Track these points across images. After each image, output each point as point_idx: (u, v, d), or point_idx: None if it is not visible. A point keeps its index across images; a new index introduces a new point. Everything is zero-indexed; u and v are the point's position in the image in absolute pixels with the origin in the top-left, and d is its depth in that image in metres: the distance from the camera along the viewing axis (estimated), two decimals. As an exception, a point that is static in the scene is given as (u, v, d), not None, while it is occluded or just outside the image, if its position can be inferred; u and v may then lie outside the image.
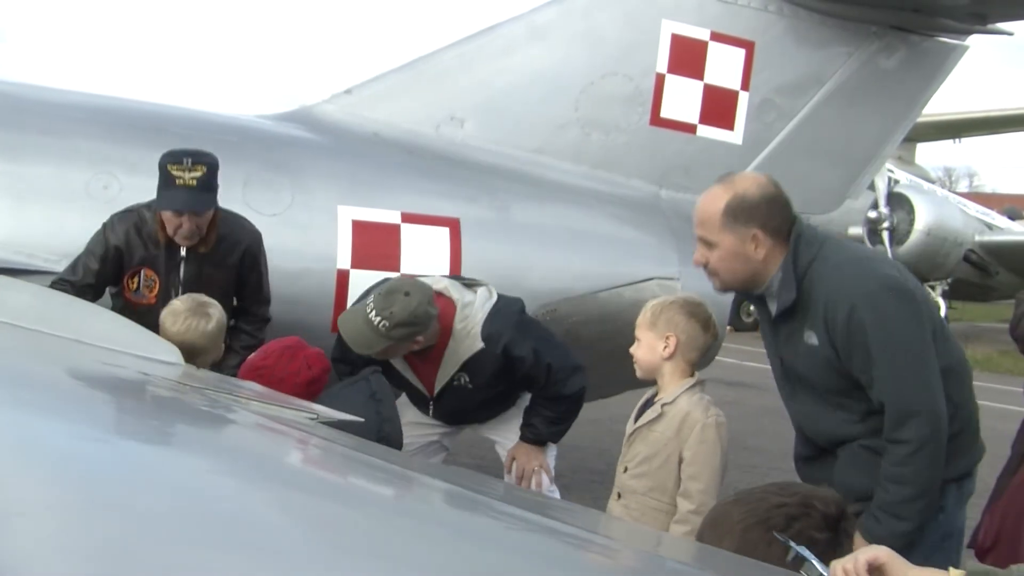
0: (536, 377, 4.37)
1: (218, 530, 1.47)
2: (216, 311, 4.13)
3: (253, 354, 4.09)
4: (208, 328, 4.06)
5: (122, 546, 1.31)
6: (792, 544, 1.94)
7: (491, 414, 4.65)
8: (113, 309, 4.70)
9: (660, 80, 6.13)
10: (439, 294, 4.31)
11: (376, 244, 5.47)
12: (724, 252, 3.41)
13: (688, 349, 3.68)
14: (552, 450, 4.62)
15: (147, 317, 4.45)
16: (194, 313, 4.06)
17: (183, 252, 4.70)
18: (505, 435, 4.63)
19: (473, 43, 6.11)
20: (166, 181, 4.57)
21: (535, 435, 4.50)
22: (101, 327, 3.26)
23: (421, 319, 4.17)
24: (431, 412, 4.55)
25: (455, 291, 4.37)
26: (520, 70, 6.08)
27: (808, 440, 3.60)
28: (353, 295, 5.35)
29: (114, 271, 4.68)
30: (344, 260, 5.36)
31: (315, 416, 2.68)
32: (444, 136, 5.98)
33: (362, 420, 3.02)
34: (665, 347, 3.66)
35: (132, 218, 4.72)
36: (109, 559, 1.25)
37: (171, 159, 4.58)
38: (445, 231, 5.50)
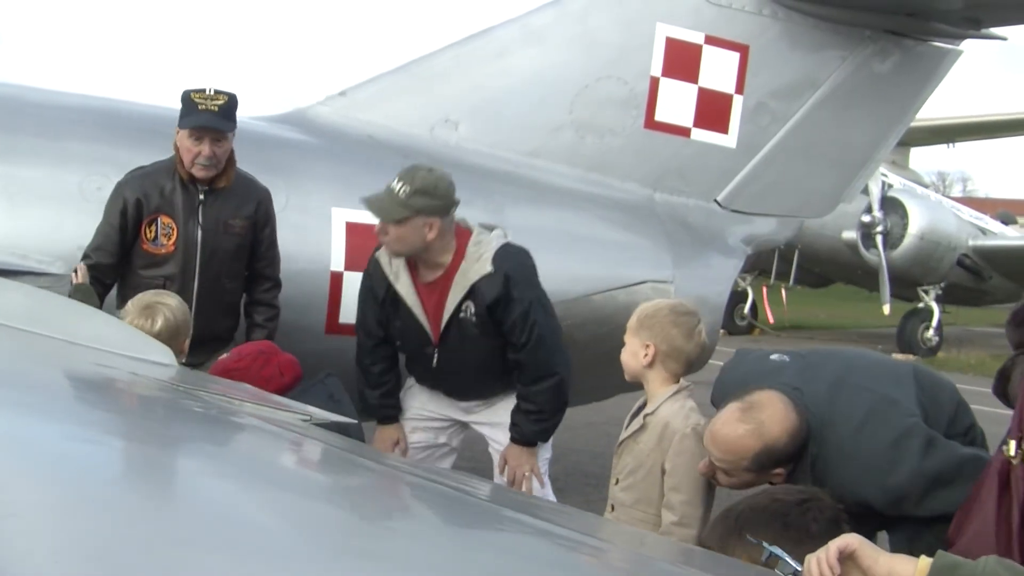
0: (517, 332, 4.36)
1: (211, 531, 1.47)
2: (167, 311, 4.02)
3: (226, 355, 4.08)
4: (155, 329, 3.93)
5: (114, 548, 1.31)
6: (765, 544, 1.96)
7: (489, 389, 4.59)
8: (132, 264, 4.74)
9: (655, 83, 6.13)
10: (457, 223, 4.44)
11: (370, 246, 5.44)
12: (743, 483, 3.34)
13: (668, 359, 3.62)
14: (546, 452, 4.62)
15: (166, 266, 4.66)
16: (140, 314, 3.97)
17: (201, 196, 4.74)
18: (501, 434, 4.61)
19: (468, 46, 6.12)
20: (188, 108, 4.68)
21: (520, 435, 4.49)
22: (93, 328, 3.25)
23: (441, 193, 4.31)
24: (435, 362, 4.49)
25: (472, 223, 4.52)
26: (515, 73, 6.08)
27: None
28: (347, 297, 5.35)
29: (135, 225, 4.71)
30: (338, 262, 5.36)
31: (308, 418, 2.68)
32: (438, 139, 5.98)
33: (356, 421, 3.02)
34: (645, 355, 3.61)
35: (143, 171, 4.80)
36: (101, 561, 1.25)
37: (193, 90, 4.71)
38: (439, 233, 5.50)
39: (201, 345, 4.50)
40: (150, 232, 4.72)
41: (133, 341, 3.28)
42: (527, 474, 4.49)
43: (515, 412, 4.50)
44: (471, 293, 4.36)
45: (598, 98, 6.12)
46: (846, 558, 1.87)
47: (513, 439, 4.52)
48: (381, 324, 4.62)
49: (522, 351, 4.41)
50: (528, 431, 4.50)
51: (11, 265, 4.72)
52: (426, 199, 4.26)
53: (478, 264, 4.36)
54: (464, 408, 4.69)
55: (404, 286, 4.48)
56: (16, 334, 3.01)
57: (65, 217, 4.97)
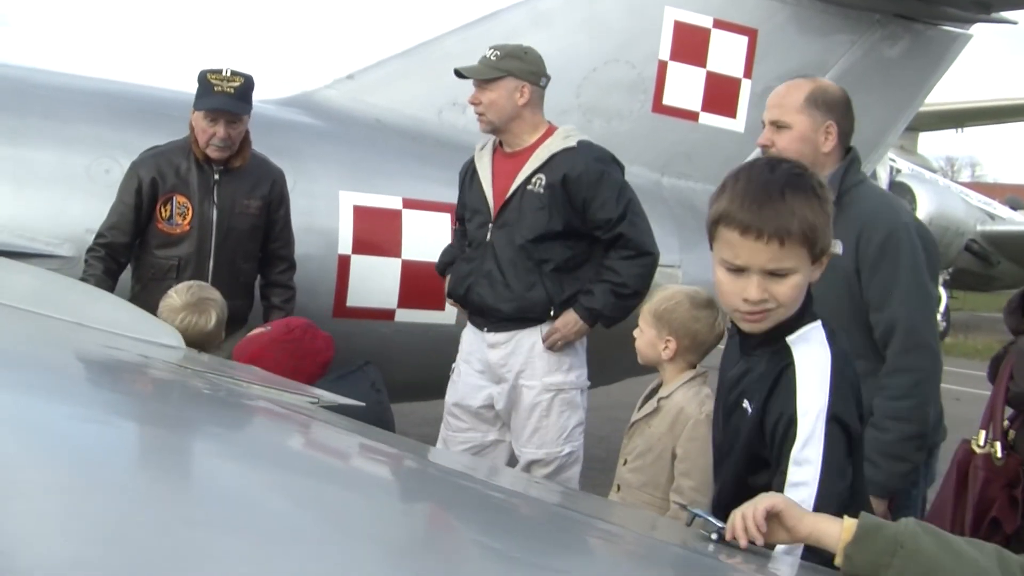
0: (611, 205, 4.38)
1: (221, 513, 1.47)
2: (217, 306, 4.06)
3: (274, 329, 4.04)
4: (209, 326, 3.99)
5: (123, 529, 1.31)
6: (688, 507, 2.02)
7: (521, 297, 4.43)
8: (147, 244, 4.75)
9: (663, 67, 6.12)
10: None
11: (377, 230, 5.47)
12: (796, 134, 3.52)
13: (689, 352, 3.60)
14: (579, 379, 4.56)
15: (181, 246, 4.68)
16: (193, 310, 3.97)
17: (216, 176, 4.77)
18: (519, 439, 4.56)
19: (476, 29, 6.10)
20: (204, 89, 4.71)
21: (588, 304, 4.41)
22: (102, 310, 3.25)
23: (531, 58, 4.52)
24: (489, 235, 4.46)
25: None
26: (523, 56, 6.07)
27: None
28: (354, 281, 5.36)
29: (149, 204, 4.72)
30: (345, 245, 5.37)
31: (316, 400, 2.69)
32: (446, 122, 5.97)
33: (363, 404, 3.02)
34: (665, 349, 3.58)
35: (158, 150, 4.82)
36: (110, 541, 1.26)
37: (210, 70, 4.73)
38: (447, 217, 5.49)
39: None
40: (165, 211, 4.73)
41: (141, 323, 3.29)
42: (560, 343, 4.43)
43: (595, 282, 4.44)
44: (546, 165, 4.40)
45: (606, 82, 6.11)
46: (772, 517, 1.91)
47: (577, 305, 4.42)
48: (459, 216, 4.75)
49: (619, 224, 4.40)
50: (600, 300, 4.40)
51: (19, 247, 4.74)
52: (516, 62, 4.46)
53: (565, 141, 4.46)
54: (490, 344, 4.53)
55: (483, 159, 4.58)
56: (25, 316, 3.02)
57: (73, 200, 4.98)
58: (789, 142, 3.52)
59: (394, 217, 5.49)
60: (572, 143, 4.44)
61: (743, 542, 1.88)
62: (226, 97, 4.67)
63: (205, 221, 4.74)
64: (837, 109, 3.56)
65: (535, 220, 4.40)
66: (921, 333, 3.39)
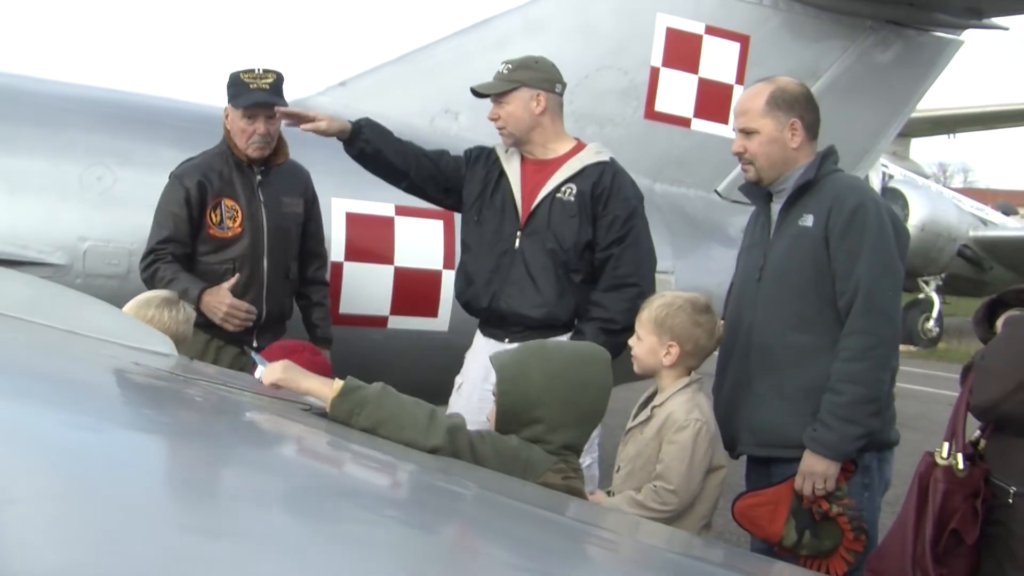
0: (616, 227, 4.33)
1: (213, 519, 1.47)
2: (184, 303, 4.05)
3: (288, 343, 4.12)
4: (192, 317, 4.02)
5: (115, 535, 1.31)
6: (252, 354, 2.67)
7: (546, 301, 4.38)
8: (194, 252, 4.70)
9: (655, 74, 6.13)
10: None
11: (370, 237, 5.47)
12: (764, 138, 3.72)
13: (690, 357, 3.63)
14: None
15: (233, 249, 4.67)
16: (172, 305, 3.93)
17: (258, 176, 4.76)
18: None
19: (468, 36, 6.11)
20: (240, 88, 4.70)
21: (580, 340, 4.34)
22: (94, 317, 3.24)
23: (543, 66, 4.46)
24: (517, 243, 4.39)
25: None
26: (515, 63, 6.07)
27: (740, 365, 3.77)
28: (347, 288, 5.36)
29: (199, 212, 4.68)
30: (338, 253, 5.36)
31: (308, 407, 2.69)
32: (439, 129, 5.98)
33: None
34: (667, 355, 3.59)
35: (196, 160, 4.77)
36: (102, 548, 1.25)
37: (242, 71, 4.73)
38: (439, 224, 5.50)
39: (270, 326, 4.67)
40: (215, 216, 4.70)
41: (134, 331, 3.28)
42: None
43: (581, 322, 4.37)
44: (578, 175, 4.38)
45: (598, 88, 6.12)
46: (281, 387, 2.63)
47: None
48: (470, 204, 4.57)
49: (613, 247, 4.34)
50: (591, 340, 4.22)
51: (11, 255, 4.73)
52: (528, 71, 4.41)
53: (597, 156, 4.45)
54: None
55: (512, 163, 4.52)
56: (16, 323, 3.01)
57: (66, 207, 4.98)
58: (759, 146, 3.73)
59: (387, 224, 5.48)
60: (604, 157, 4.45)
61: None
62: (263, 93, 4.68)
63: (255, 222, 4.73)
64: (798, 105, 3.74)
65: (568, 228, 4.36)
66: (881, 299, 3.48)
